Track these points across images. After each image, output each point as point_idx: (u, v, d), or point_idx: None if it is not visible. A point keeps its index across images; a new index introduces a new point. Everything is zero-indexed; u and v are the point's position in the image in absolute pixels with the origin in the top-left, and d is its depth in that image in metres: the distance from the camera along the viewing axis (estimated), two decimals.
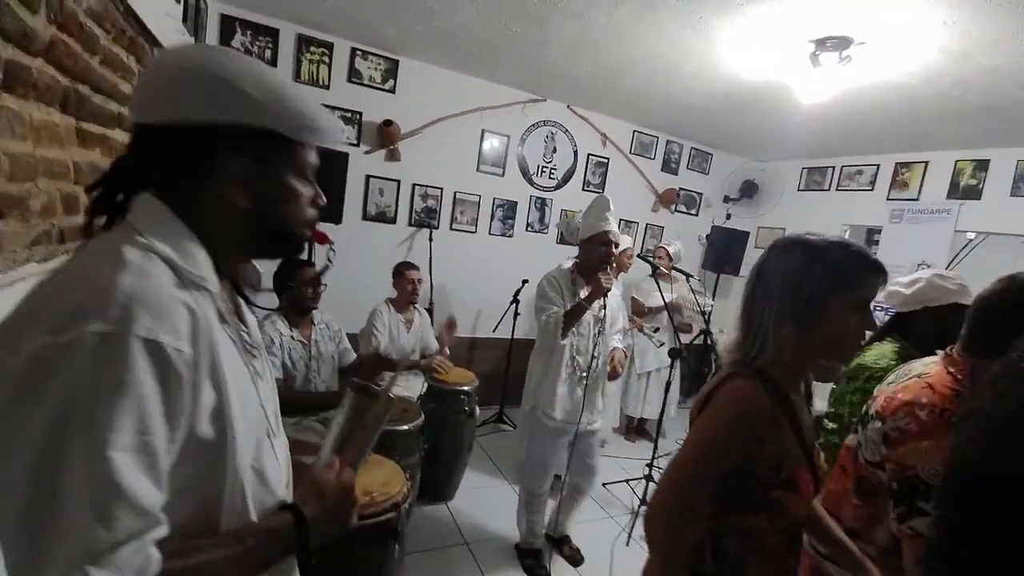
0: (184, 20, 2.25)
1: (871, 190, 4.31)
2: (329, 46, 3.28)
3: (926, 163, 3.94)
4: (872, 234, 4.92)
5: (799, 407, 0.98)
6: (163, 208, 0.60)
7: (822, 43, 2.34)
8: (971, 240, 4.18)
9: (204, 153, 0.61)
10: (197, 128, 0.59)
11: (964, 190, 3.72)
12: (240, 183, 0.62)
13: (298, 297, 2.27)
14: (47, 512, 0.46)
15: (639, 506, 2.94)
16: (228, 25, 3.00)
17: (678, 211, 4.95)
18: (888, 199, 4.16)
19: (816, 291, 0.90)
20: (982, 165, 3.62)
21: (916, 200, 3.99)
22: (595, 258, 2.18)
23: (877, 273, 0.92)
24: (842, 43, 2.31)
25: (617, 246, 2.23)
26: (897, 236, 4.04)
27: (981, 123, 3.09)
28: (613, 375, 2.35)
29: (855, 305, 0.91)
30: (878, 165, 4.26)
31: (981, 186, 3.63)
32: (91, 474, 0.46)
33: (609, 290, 2.13)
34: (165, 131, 0.59)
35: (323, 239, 1.10)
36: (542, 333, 2.21)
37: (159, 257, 0.56)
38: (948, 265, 3.86)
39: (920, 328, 1.62)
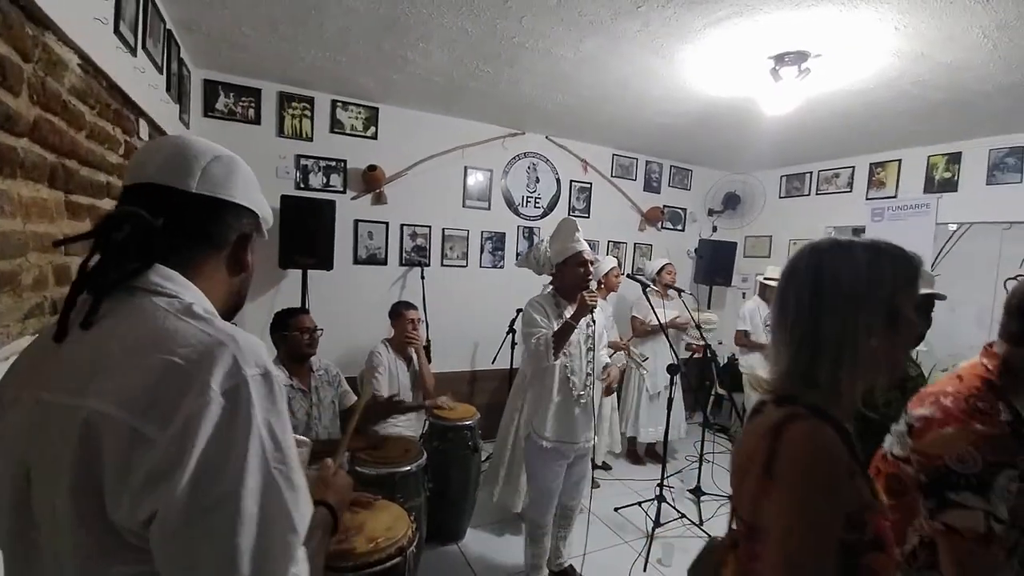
0: (168, 88, 2.33)
1: (850, 191, 4.40)
2: (310, 100, 3.39)
3: (899, 161, 4.04)
4: (856, 233, 5.00)
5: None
6: (175, 273, 0.66)
7: (780, 59, 2.44)
8: (953, 232, 4.25)
9: (232, 224, 0.73)
10: (233, 206, 0.72)
11: (940, 183, 3.80)
12: (236, 255, 0.74)
13: (296, 345, 2.28)
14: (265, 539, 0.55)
15: (653, 528, 2.89)
16: (211, 89, 3.11)
17: (665, 228, 5.02)
18: (867, 199, 4.25)
19: (894, 291, 0.80)
20: (955, 157, 3.72)
21: (894, 197, 4.07)
22: (575, 280, 2.21)
23: (921, 269, 0.84)
24: (799, 57, 2.41)
25: (593, 264, 2.26)
26: (881, 234, 4.08)
27: (948, 118, 3.19)
28: (608, 391, 2.35)
29: (918, 303, 0.83)
30: (853, 167, 4.36)
31: (956, 178, 3.71)
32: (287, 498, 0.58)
33: (595, 307, 2.14)
34: (208, 201, 0.69)
35: None
36: (532, 357, 2.20)
37: (204, 308, 0.65)
38: (935, 258, 3.92)
39: None
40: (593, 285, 2.23)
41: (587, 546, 2.45)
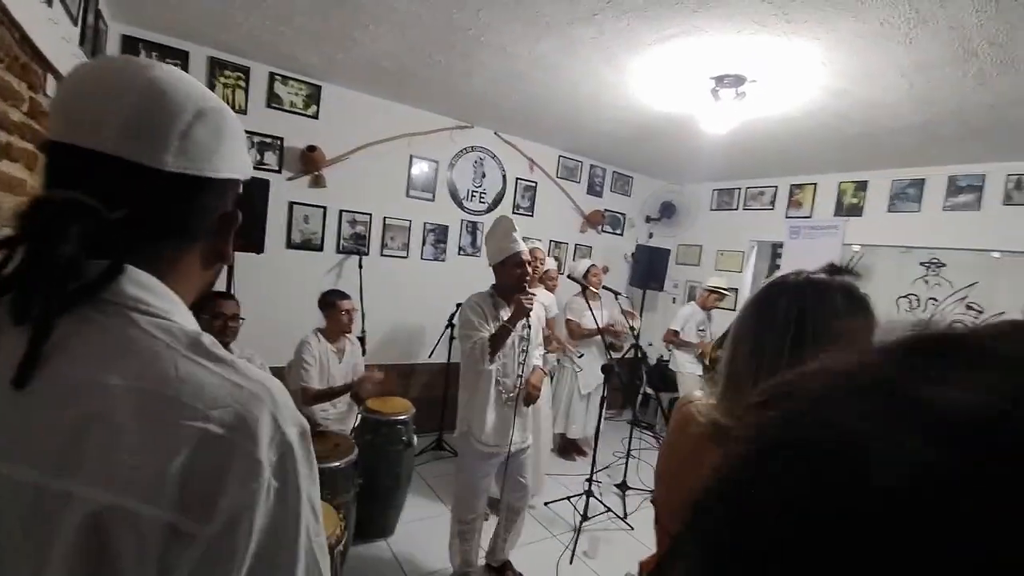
0: (81, 43, 2.10)
1: (772, 209, 4.75)
2: (245, 70, 3.17)
3: (815, 184, 4.41)
4: (776, 248, 5.41)
5: None
6: (152, 279, 0.49)
7: (720, 80, 2.58)
8: (856, 252, 4.71)
9: (217, 207, 0.54)
10: (216, 181, 0.52)
11: (848, 208, 4.19)
12: (217, 244, 0.57)
13: (208, 331, 2.13)
14: None
15: (581, 522, 2.98)
16: (130, 47, 2.82)
17: (605, 231, 5.17)
18: (787, 216, 4.61)
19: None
20: (862, 185, 4.11)
21: (809, 217, 4.44)
22: (513, 280, 2.18)
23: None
24: (737, 80, 2.56)
25: (530, 263, 2.26)
26: (796, 250, 4.47)
27: (859, 149, 3.52)
28: (529, 399, 2.30)
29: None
30: (776, 187, 4.71)
31: (862, 204, 4.11)
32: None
33: (531, 310, 2.14)
34: (187, 182, 0.50)
35: None
36: (468, 359, 2.18)
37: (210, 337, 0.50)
38: None
39: None
40: (538, 285, 2.24)
41: (518, 540, 2.49)
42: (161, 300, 0.49)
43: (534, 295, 2.19)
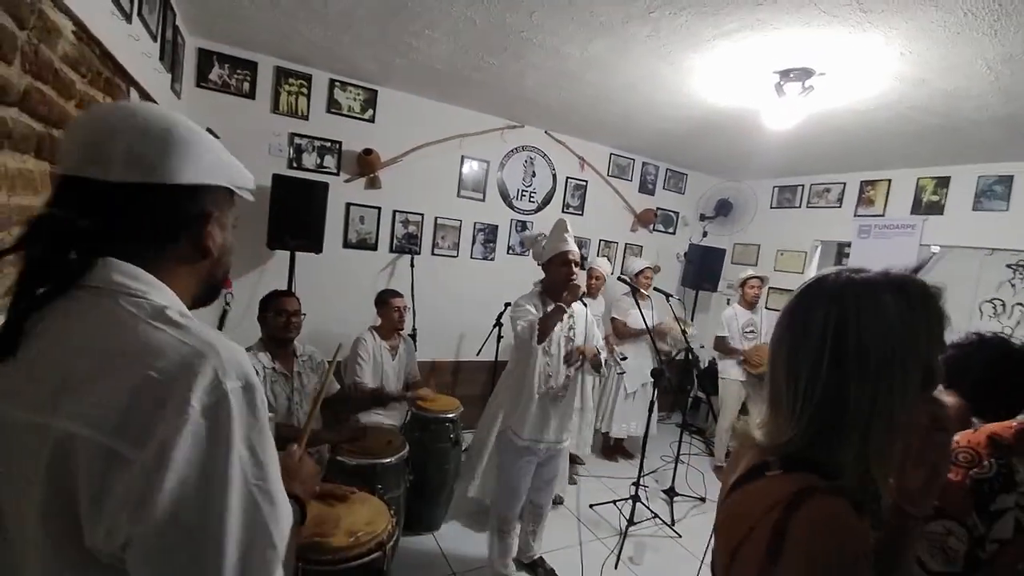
0: (161, 57, 2.25)
1: (839, 207, 4.46)
2: (308, 78, 3.31)
3: (889, 181, 4.11)
4: (842, 248, 5.09)
5: None
6: (138, 270, 0.60)
7: (785, 74, 2.45)
8: (935, 254, 4.35)
9: (179, 210, 0.64)
10: (178, 188, 0.62)
11: (927, 206, 3.88)
12: (201, 238, 0.66)
13: (274, 328, 2.26)
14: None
15: (627, 527, 2.94)
16: (205, 59, 3.01)
17: (656, 230, 5.05)
18: (856, 215, 4.32)
19: (930, 347, 0.66)
20: (943, 182, 3.79)
21: (882, 216, 4.14)
22: (559, 277, 2.25)
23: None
24: (804, 74, 2.42)
25: (577, 263, 2.27)
26: (866, 251, 4.18)
27: (940, 142, 3.25)
28: (591, 358, 2.34)
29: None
30: (844, 183, 4.42)
31: (943, 202, 3.79)
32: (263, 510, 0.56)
33: (584, 292, 2.22)
34: (140, 189, 0.60)
35: (228, 284, 1.20)
36: (518, 341, 2.24)
37: (178, 311, 0.59)
38: None
39: None
40: (581, 284, 2.25)
41: (562, 541, 2.49)
42: (141, 284, 0.59)
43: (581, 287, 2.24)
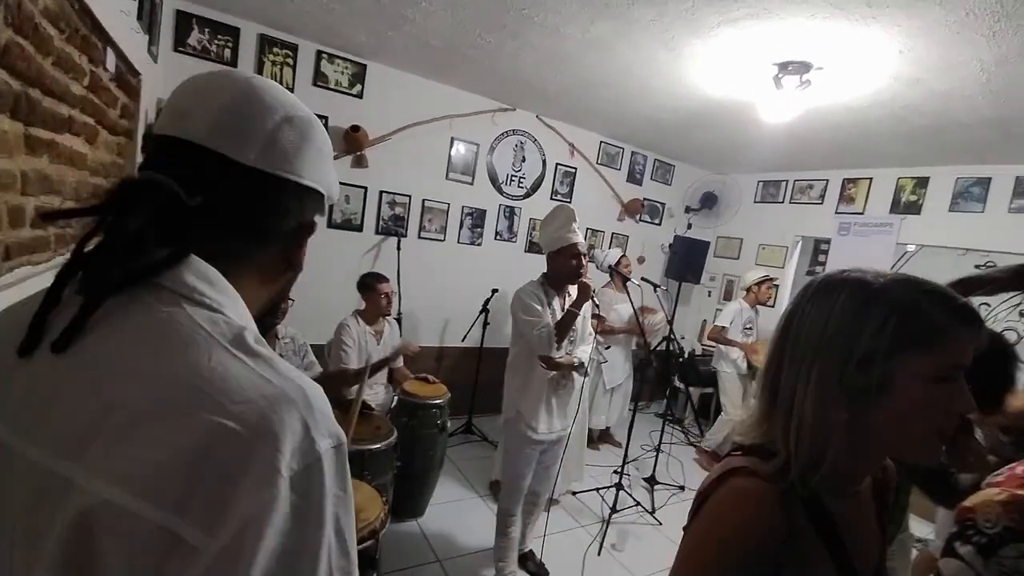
0: (139, 16, 2.11)
1: (821, 203, 4.54)
2: (293, 48, 3.16)
3: (870, 179, 4.19)
4: (820, 245, 5.21)
5: (853, 521, 0.69)
6: (215, 272, 0.49)
7: (784, 67, 2.44)
8: (908, 252, 4.49)
9: (290, 212, 0.54)
10: (299, 187, 0.53)
11: (905, 205, 3.98)
12: (299, 248, 0.58)
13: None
14: None
15: (610, 515, 2.97)
16: (184, 22, 2.83)
17: (642, 220, 5.06)
18: (836, 212, 4.40)
19: (874, 348, 0.62)
20: (922, 182, 3.88)
21: (861, 214, 4.24)
22: (566, 271, 2.17)
23: (970, 324, 0.63)
24: (803, 67, 2.42)
25: (586, 256, 2.22)
26: (844, 248, 4.28)
27: (924, 142, 3.31)
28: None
29: (938, 372, 0.62)
30: (827, 180, 4.50)
31: (921, 201, 3.89)
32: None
33: (594, 292, 2.17)
34: (264, 179, 0.51)
35: None
36: (536, 344, 2.14)
37: (255, 334, 0.48)
38: None
39: None
40: (590, 279, 2.20)
41: (545, 528, 2.48)
42: (218, 293, 0.47)
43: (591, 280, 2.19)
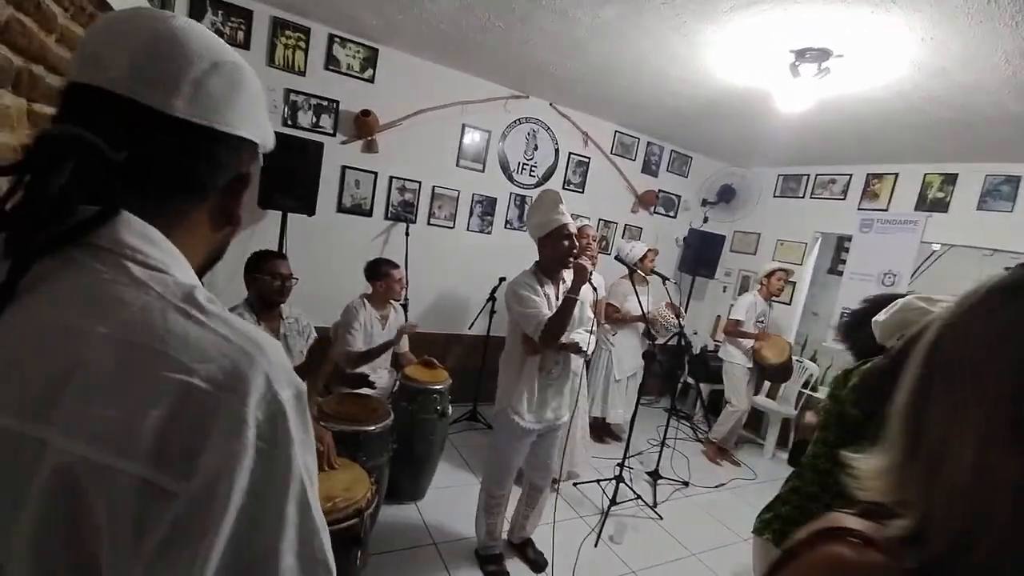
0: None
1: (843, 199, 4.40)
2: (306, 31, 3.17)
3: (896, 175, 4.04)
4: (843, 242, 5.05)
5: None
6: (153, 230, 0.48)
7: (802, 54, 2.36)
8: (935, 251, 4.33)
9: (223, 165, 0.53)
10: (230, 138, 0.51)
11: (932, 202, 3.83)
12: (236, 202, 0.56)
13: (267, 290, 2.20)
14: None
15: (609, 506, 2.96)
16: (198, 4, 2.87)
17: (657, 213, 4.98)
18: (859, 208, 4.26)
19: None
20: (950, 179, 3.73)
21: (885, 211, 4.09)
22: (560, 253, 2.09)
23: None
24: (821, 55, 2.33)
25: (576, 235, 2.15)
26: (866, 245, 4.14)
27: (951, 138, 3.18)
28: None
29: None
30: (850, 175, 4.35)
31: (948, 199, 3.74)
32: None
33: (592, 271, 2.09)
34: (193, 131, 0.48)
35: None
36: (515, 334, 2.14)
37: (205, 292, 0.48)
38: (912, 275, 3.99)
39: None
40: (590, 260, 2.13)
41: (547, 517, 2.48)
42: (161, 252, 0.47)
43: (590, 261, 2.11)
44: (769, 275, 4.09)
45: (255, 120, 0.54)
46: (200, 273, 0.57)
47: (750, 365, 4.05)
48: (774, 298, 4.17)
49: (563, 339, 2.08)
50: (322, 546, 0.47)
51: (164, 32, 0.48)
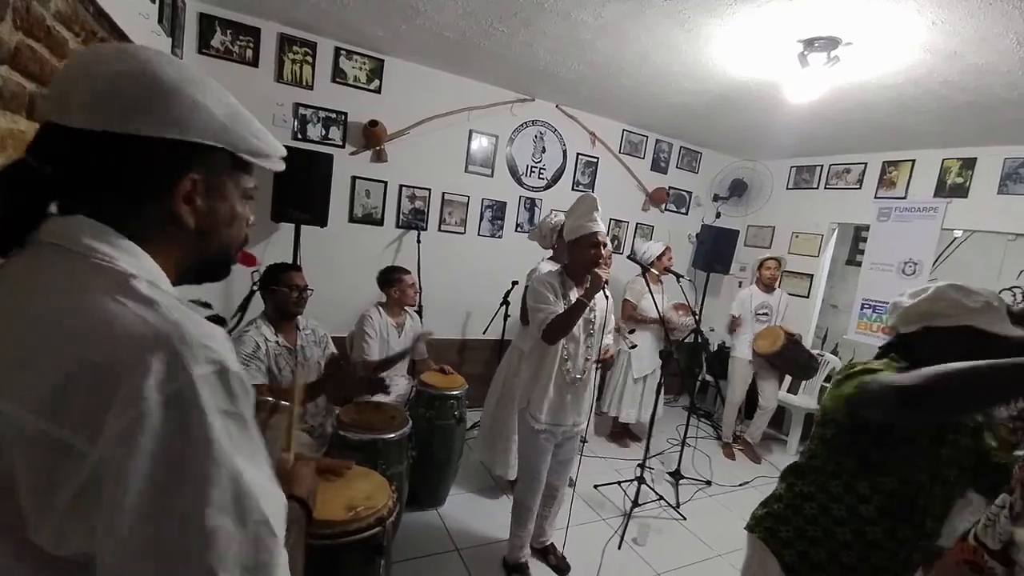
0: (160, 20, 2.18)
1: (859, 188, 4.32)
2: (312, 45, 3.22)
3: (913, 161, 3.96)
4: (860, 232, 4.96)
5: None
6: (109, 230, 0.55)
7: (810, 43, 2.32)
8: (956, 238, 4.22)
9: (149, 169, 0.56)
10: (153, 142, 0.55)
11: (951, 188, 3.74)
12: (171, 205, 0.58)
13: (284, 302, 2.23)
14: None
15: (631, 508, 2.93)
16: (207, 24, 2.92)
17: (668, 210, 4.94)
18: (876, 197, 4.18)
19: None
20: (969, 163, 3.64)
21: (903, 198, 4.00)
22: (584, 260, 2.11)
23: None
24: (830, 43, 2.29)
25: (606, 246, 2.15)
26: (884, 234, 4.06)
27: (969, 122, 3.10)
28: (606, 364, 2.31)
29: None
30: (865, 163, 4.27)
31: (968, 184, 3.65)
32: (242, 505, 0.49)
33: (607, 281, 2.09)
34: (106, 140, 0.53)
35: (251, 261, 1.14)
36: (538, 331, 2.12)
37: (148, 282, 0.54)
38: (934, 263, 3.89)
39: (920, 357, 1.14)
40: (606, 269, 2.12)
41: (567, 521, 2.47)
42: (109, 248, 0.53)
43: (607, 270, 2.11)
44: (759, 266, 4.09)
45: (188, 122, 0.56)
46: (195, 279, 0.65)
47: (750, 358, 4.01)
48: (789, 292, 4.11)
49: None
50: (258, 507, 0.49)
51: (70, 62, 0.58)
